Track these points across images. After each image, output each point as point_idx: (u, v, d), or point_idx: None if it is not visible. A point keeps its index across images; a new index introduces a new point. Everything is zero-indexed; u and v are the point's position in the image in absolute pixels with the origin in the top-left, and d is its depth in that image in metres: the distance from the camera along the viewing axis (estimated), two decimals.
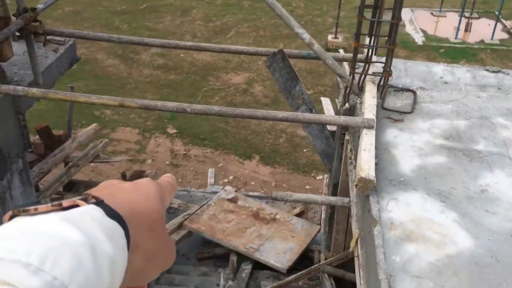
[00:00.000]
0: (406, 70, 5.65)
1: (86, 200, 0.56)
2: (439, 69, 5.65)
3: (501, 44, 16.69)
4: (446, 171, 3.80)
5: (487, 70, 5.66)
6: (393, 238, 3.18)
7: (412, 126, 4.31)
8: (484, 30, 17.37)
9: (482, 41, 16.84)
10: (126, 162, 11.07)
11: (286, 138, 12.72)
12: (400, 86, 4.91)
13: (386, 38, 4.54)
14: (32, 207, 0.52)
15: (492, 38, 16.79)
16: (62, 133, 7.55)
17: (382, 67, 4.65)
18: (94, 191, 0.60)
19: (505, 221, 3.33)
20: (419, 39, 17.06)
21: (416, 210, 3.42)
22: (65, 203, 0.53)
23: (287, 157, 12.28)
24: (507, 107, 4.57)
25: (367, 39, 4.71)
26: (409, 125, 4.32)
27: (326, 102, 6.68)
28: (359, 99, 4.62)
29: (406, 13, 18.82)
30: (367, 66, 4.59)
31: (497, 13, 17.37)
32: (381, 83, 4.68)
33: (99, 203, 0.56)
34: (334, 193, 5.42)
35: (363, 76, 4.66)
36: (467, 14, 17.42)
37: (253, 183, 11.56)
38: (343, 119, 3.97)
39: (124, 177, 8.35)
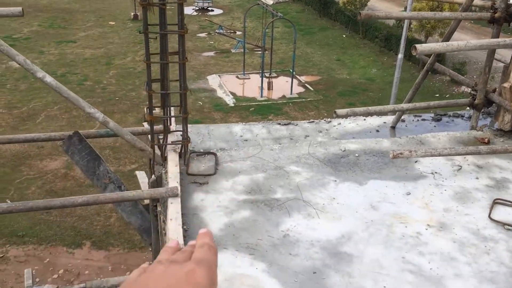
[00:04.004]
0: (209, 134, 5.96)
1: None
2: (238, 128, 6.09)
3: (300, 97, 18.83)
4: (251, 224, 4.02)
5: (279, 124, 6.28)
6: None
7: (217, 187, 4.50)
8: (283, 86, 19.44)
9: (283, 96, 18.78)
10: None
11: (117, 217, 12.19)
12: (202, 150, 5.14)
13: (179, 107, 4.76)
14: None
15: (291, 93, 18.86)
16: None
17: (181, 135, 4.82)
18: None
19: (306, 260, 3.62)
20: (230, 101, 18.30)
21: (227, 269, 3.51)
22: None
23: (120, 236, 11.74)
24: (296, 155, 5.09)
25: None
26: (214, 187, 4.51)
27: (141, 176, 6.64)
28: (163, 169, 4.68)
29: (214, 79, 20.13)
30: (166, 136, 4.71)
31: (291, 70, 19.66)
32: (183, 151, 4.83)
33: None
34: None
35: (164, 146, 4.77)
36: (267, 74, 19.34)
37: (87, 272, 10.71)
38: (146, 192, 3.96)
39: None
